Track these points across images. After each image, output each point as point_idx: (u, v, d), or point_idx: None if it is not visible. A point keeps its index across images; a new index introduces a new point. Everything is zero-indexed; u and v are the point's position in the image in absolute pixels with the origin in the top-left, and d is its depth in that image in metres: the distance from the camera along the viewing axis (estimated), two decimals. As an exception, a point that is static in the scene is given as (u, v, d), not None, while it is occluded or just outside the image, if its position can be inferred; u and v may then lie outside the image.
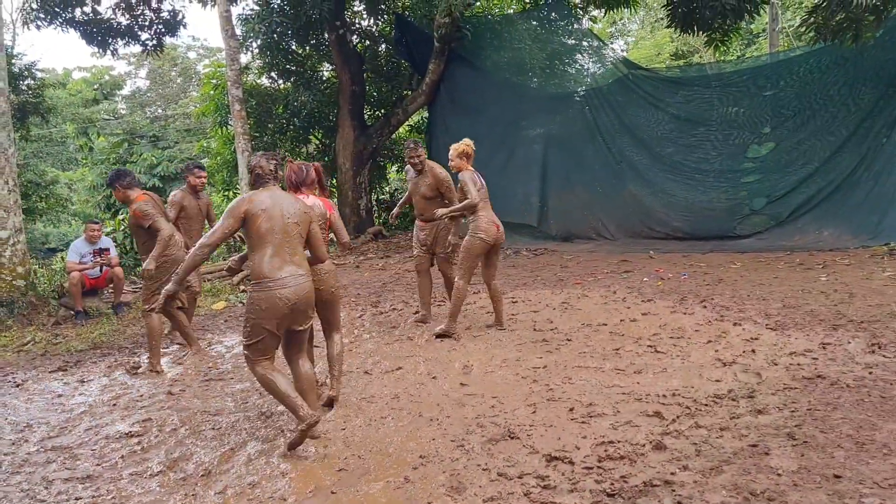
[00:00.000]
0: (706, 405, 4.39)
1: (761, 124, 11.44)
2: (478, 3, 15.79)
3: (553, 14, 14.93)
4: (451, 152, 6.51)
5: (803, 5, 15.44)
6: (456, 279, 6.62)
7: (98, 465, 4.05)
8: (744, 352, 5.49)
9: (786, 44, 17.98)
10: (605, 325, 6.71)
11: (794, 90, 11.21)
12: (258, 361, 4.09)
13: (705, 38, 12.27)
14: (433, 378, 5.37)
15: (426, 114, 17.03)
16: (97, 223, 9.00)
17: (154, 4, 16.08)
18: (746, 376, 4.91)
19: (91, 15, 15.38)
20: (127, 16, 15.91)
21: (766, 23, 18.39)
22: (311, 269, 4.37)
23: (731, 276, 8.90)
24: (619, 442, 3.89)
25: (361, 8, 17.80)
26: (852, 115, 10.73)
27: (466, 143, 6.57)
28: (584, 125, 13.13)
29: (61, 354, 7.00)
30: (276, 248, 4.05)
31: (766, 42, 18.54)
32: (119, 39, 16.03)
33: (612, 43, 30.49)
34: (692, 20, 11.46)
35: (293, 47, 16.51)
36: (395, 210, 7.70)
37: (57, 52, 59.76)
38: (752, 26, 21.21)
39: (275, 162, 4.37)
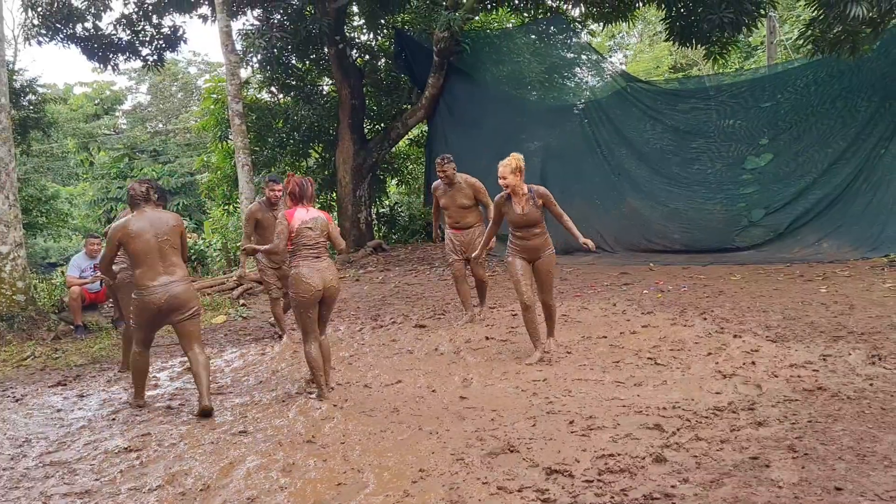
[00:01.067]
0: (706, 417, 4.38)
1: (759, 136, 11.47)
2: (476, 18, 15.86)
3: (551, 28, 15.02)
4: (502, 170, 5.97)
5: (801, 18, 15.53)
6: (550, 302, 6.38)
7: (97, 480, 4.04)
8: (744, 364, 5.47)
9: (784, 56, 18.04)
10: (605, 337, 6.70)
11: (792, 102, 11.25)
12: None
13: (704, 51, 12.35)
14: (433, 391, 5.36)
15: (426, 127, 17.08)
16: (97, 238, 9.01)
17: (155, 20, 16.20)
18: (747, 388, 4.90)
19: (92, 31, 15.48)
20: (128, 31, 16.02)
21: (765, 36, 18.48)
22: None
23: (731, 288, 8.89)
24: (619, 455, 3.88)
25: (361, 23, 17.90)
26: (850, 127, 10.76)
27: (517, 158, 6.00)
28: (582, 138, 13.17)
29: (61, 369, 7.00)
30: (149, 264, 5.10)
31: (765, 55, 18.62)
32: (120, 55, 16.15)
33: (610, 56, 30.62)
34: (690, 33, 11.54)
35: (293, 62, 16.59)
36: (436, 229, 8.60)
37: (58, 67, 60.09)
38: (751, 39, 21.30)
39: (147, 185, 5.30)
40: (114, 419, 5.19)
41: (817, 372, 5.15)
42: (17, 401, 5.89)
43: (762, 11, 11.16)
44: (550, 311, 6.33)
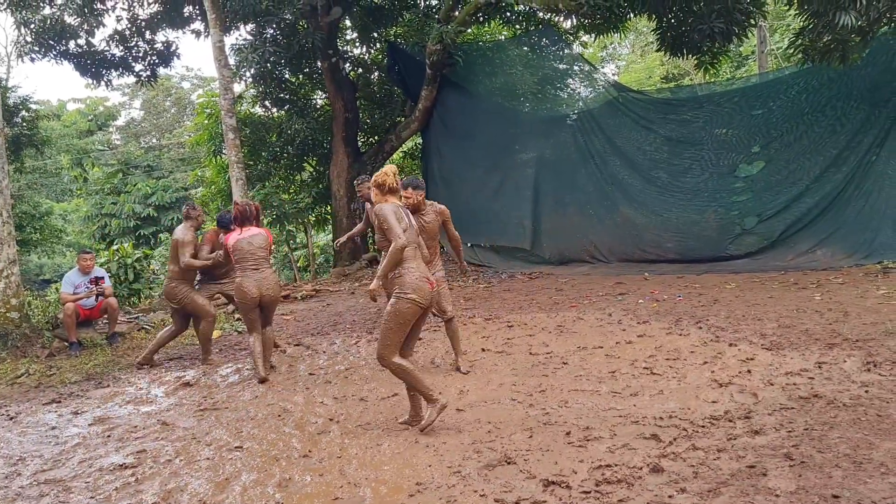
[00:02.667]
0: (703, 427, 4.38)
1: (751, 144, 11.52)
2: (469, 31, 15.93)
3: (543, 40, 15.08)
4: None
5: (791, 28, 15.62)
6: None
7: (92, 497, 4.01)
8: (740, 372, 5.48)
9: (775, 65, 18.16)
10: (601, 347, 6.70)
11: (784, 110, 11.30)
12: None
13: (695, 61, 12.40)
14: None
15: (420, 140, 17.13)
16: (89, 253, 8.98)
17: (147, 36, 16.22)
18: (743, 397, 4.90)
19: (85, 47, 15.49)
20: (121, 47, 16.04)
21: (756, 45, 18.59)
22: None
23: (726, 296, 8.91)
24: (616, 465, 3.87)
25: (354, 36, 17.96)
26: (841, 134, 10.82)
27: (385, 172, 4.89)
28: (575, 148, 13.21)
29: (55, 386, 6.95)
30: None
31: (756, 64, 18.73)
32: (113, 71, 16.17)
33: (602, 67, 30.76)
34: (681, 44, 11.57)
35: (286, 76, 16.62)
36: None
37: (52, 83, 60.09)
38: (742, 49, 21.43)
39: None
40: (109, 436, 5.16)
41: (813, 379, 5.15)
42: (11, 419, 5.85)
43: (752, 21, 11.19)
44: None
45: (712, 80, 13.27)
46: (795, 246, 10.94)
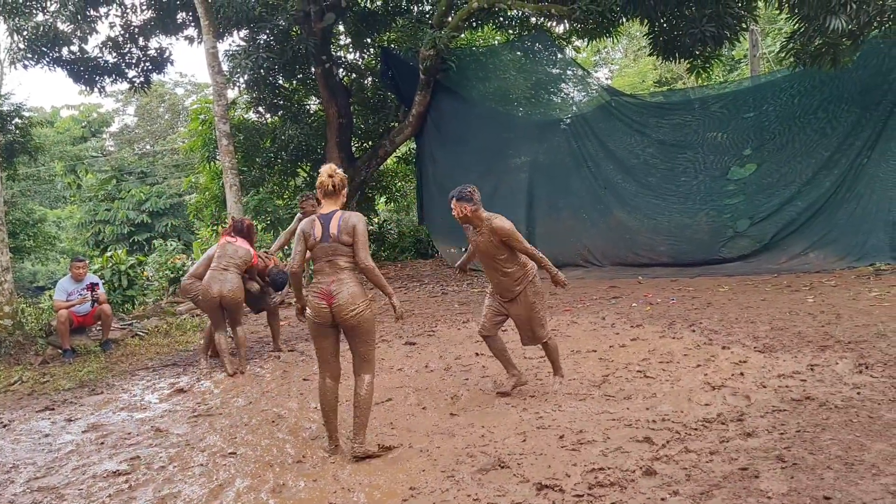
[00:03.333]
0: (696, 429, 4.39)
1: (742, 146, 11.55)
2: (462, 36, 15.98)
3: (537, 45, 15.13)
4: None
5: (783, 32, 15.70)
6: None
7: (85, 504, 4.01)
8: (732, 375, 5.50)
9: (767, 69, 18.22)
10: (595, 351, 6.72)
11: (776, 113, 11.34)
12: None
13: (687, 65, 12.45)
14: (423, 409, 5.36)
15: (414, 145, 17.16)
16: (81, 260, 8.95)
17: (141, 42, 16.25)
18: (735, 399, 4.92)
19: (78, 54, 15.51)
20: (114, 54, 16.06)
21: (748, 49, 18.67)
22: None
23: (720, 299, 8.94)
24: (609, 468, 3.88)
25: (347, 42, 18.01)
26: (832, 137, 10.86)
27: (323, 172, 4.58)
28: (569, 153, 13.25)
29: (49, 393, 6.93)
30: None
31: (748, 68, 18.81)
32: (106, 77, 16.19)
33: (596, 71, 30.85)
34: (673, 48, 11.62)
35: (280, 82, 16.65)
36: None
37: (45, 90, 59.96)
38: (734, 53, 21.53)
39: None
40: (102, 443, 5.15)
41: (805, 382, 5.18)
42: (4, 426, 5.83)
43: (744, 25, 11.25)
44: None
45: (705, 83, 13.33)
46: (788, 248, 10.97)
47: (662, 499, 3.47)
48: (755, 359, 5.94)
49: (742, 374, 5.51)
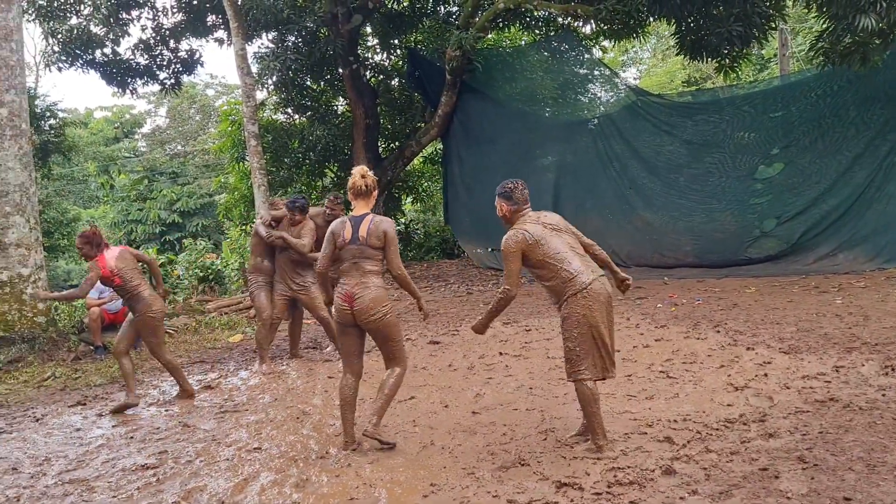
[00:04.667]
0: (717, 430, 4.39)
1: (770, 146, 11.43)
2: (488, 37, 16.01)
3: (563, 45, 15.11)
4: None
5: (813, 30, 15.51)
6: None
7: (114, 497, 4.11)
8: (756, 376, 5.48)
9: (797, 68, 18.03)
10: (618, 351, 6.67)
11: (804, 112, 11.21)
12: None
13: (715, 65, 12.36)
14: (445, 407, 5.40)
15: (440, 145, 17.22)
16: (115, 259, 9.14)
17: (171, 44, 16.49)
18: (758, 400, 4.91)
19: (111, 56, 15.78)
20: (146, 56, 16.32)
21: (777, 48, 18.47)
22: None
23: (746, 300, 8.88)
24: (628, 468, 3.90)
25: (374, 43, 18.10)
26: (862, 136, 10.73)
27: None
28: (595, 153, 13.20)
29: (80, 389, 7.10)
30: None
31: (778, 67, 18.61)
32: (138, 79, 16.45)
33: (624, 71, 30.68)
34: (700, 47, 11.56)
35: (308, 83, 16.79)
36: None
37: (79, 92, 60.96)
38: (764, 52, 21.29)
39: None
40: (132, 437, 5.27)
41: (830, 383, 5.14)
42: (37, 420, 5.99)
43: (772, 24, 11.16)
44: None
45: (734, 83, 13.22)
46: (816, 249, 10.84)
47: (681, 498, 3.48)
48: (780, 360, 5.91)
49: (766, 375, 5.49)
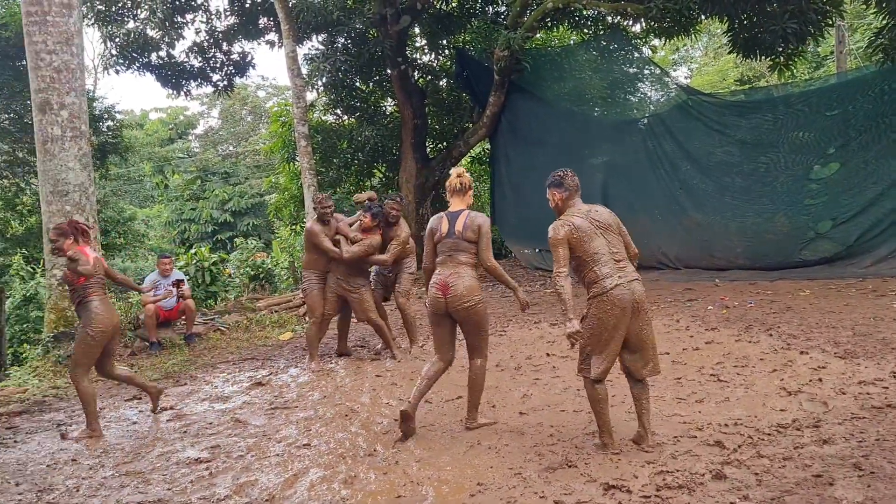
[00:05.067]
0: (769, 435, 4.32)
1: (826, 145, 11.12)
2: (537, 36, 15.94)
3: (612, 44, 14.96)
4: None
5: (872, 26, 15.10)
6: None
7: (169, 489, 4.22)
8: (810, 381, 5.36)
9: (854, 66, 17.55)
10: (668, 353, 6.63)
11: (862, 110, 10.87)
12: None
13: (769, 63, 12.10)
14: (492, 407, 5.41)
15: (488, 145, 17.21)
16: (168, 257, 9.40)
17: (224, 47, 16.81)
18: (812, 405, 4.81)
19: (166, 59, 16.16)
20: (199, 59, 16.67)
21: (834, 45, 18.02)
22: None
23: (800, 303, 8.69)
24: (678, 471, 3.85)
25: (423, 44, 18.18)
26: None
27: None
28: (645, 153, 13.02)
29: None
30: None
31: (835, 65, 18.16)
32: (192, 81, 16.82)
33: (674, 70, 30.25)
34: (754, 45, 11.32)
35: (357, 84, 16.94)
36: None
37: (135, 94, 62.47)
38: (820, 49, 20.79)
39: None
40: (185, 432, 5.40)
41: (887, 389, 5.01)
42: (95, 413, 6.16)
43: (829, 21, 10.87)
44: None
45: (789, 81, 12.92)
46: (874, 251, 10.51)
47: (731, 503, 3.44)
48: (835, 365, 5.77)
49: (820, 379, 5.37)
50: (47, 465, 4.82)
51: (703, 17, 12.31)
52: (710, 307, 8.95)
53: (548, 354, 7.00)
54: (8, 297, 15.03)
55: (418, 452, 4.50)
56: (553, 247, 4.36)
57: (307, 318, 7.77)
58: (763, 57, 11.73)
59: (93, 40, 42.56)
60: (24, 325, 14.52)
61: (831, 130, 11.08)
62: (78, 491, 4.30)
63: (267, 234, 28.84)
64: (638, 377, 4.36)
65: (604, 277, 4.23)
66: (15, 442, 5.49)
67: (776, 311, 8.28)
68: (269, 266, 14.49)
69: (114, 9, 15.08)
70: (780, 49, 11.25)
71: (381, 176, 18.09)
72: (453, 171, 4.97)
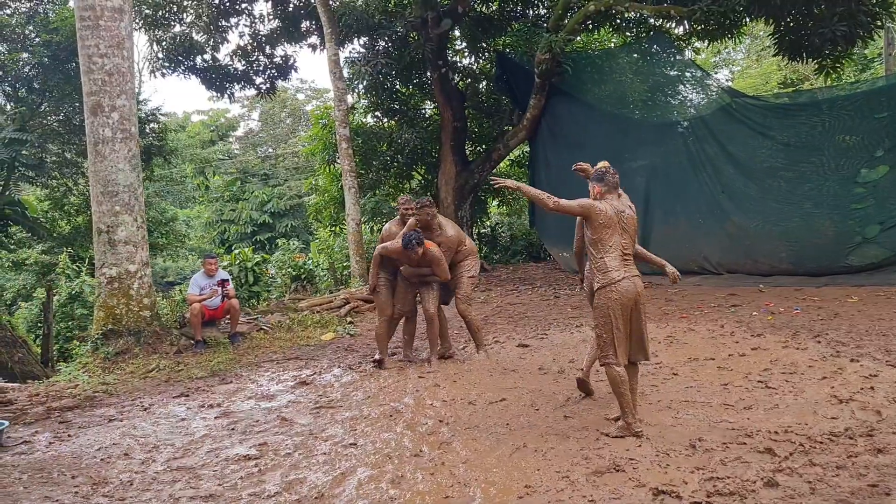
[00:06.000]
0: (821, 443, 4.25)
1: (874, 148, 10.88)
2: (578, 39, 15.88)
3: (654, 47, 14.86)
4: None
5: (922, 28, 14.77)
6: None
7: (219, 485, 4.29)
8: (862, 389, 5.27)
9: (904, 68, 17.17)
10: (713, 359, 6.57)
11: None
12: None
13: (815, 66, 11.91)
14: (536, 410, 5.41)
15: (527, 148, 17.18)
16: (214, 257, 9.54)
17: (268, 50, 17.05)
18: (865, 414, 4.72)
19: (210, 62, 16.44)
20: (243, 62, 16.94)
21: (882, 47, 17.67)
22: None
23: (848, 310, 8.53)
24: (728, 478, 3.82)
25: (463, 47, 18.24)
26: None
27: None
28: (686, 156, 12.88)
29: (183, 381, 7.41)
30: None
31: (882, 67, 17.79)
32: (236, 84, 17.12)
33: (716, 73, 29.86)
34: (800, 48, 11.16)
35: (397, 87, 17.05)
36: None
37: (177, 97, 63.49)
38: (867, 52, 20.38)
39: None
40: (233, 429, 5.48)
41: (942, 399, 4.90)
42: (144, 409, 6.29)
43: (879, 23, 10.66)
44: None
45: (834, 84, 12.69)
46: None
47: (785, 511, 3.40)
48: (887, 373, 5.66)
49: (872, 388, 5.27)
50: (101, 459, 4.93)
51: (748, 19, 12.17)
52: (754, 313, 8.83)
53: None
54: (55, 295, 15.42)
55: (464, 454, 4.51)
56: (581, 206, 4.77)
57: (378, 316, 7.62)
58: (809, 59, 11.54)
59: (139, 44, 43.40)
60: (70, 323, 14.85)
61: (879, 133, 10.85)
62: (132, 485, 4.39)
63: (305, 235, 29.12)
64: (632, 360, 4.81)
65: (612, 269, 4.68)
66: (69, 436, 5.62)
67: (823, 318, 8.14)
68: (310, 267, 14.63)
69: (160, 13, 15.39)
70: (828, 52, 11.07)
71: (420, 178, 18.17)
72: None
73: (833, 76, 11.85)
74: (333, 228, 18.82)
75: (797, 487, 3.65)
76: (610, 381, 4.67)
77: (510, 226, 20.20)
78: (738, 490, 3.65)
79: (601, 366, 4.78)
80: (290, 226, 30.19)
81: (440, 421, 5.26)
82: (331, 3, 14.46)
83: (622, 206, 4.84)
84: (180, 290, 14.85)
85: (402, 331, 7.77)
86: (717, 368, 6.24)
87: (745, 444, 4.33)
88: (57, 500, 4.20)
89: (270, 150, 37.78)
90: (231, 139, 39.16)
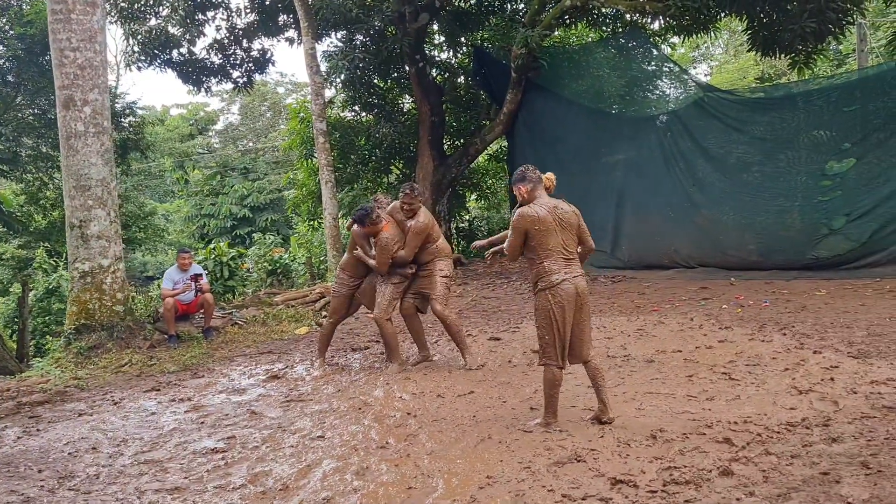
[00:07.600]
0: (778, 433, 4.34)
1: (842, 141, 10.99)
2: (554, 34, 15.94)
3: (631, 42, 14.94)
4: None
5: (894, 24, 14.97)
6: None
7: (186, 478, 4.31)
8: (822, 380, 5.37)
9: (876, 63, 17.39)
10: (680, 351, 6.66)
11: (882, 106, 10.74)
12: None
13: (789, 62, 12.03)
14: (504, 402, 5.47)
15: (505, 143, 17.24)
16: (187, 252, 9.53)
17: (245, 44, 16.98)
18: (823, 404, 4.82)
19: (187, 55, 16.35)
20: (220, 56, 16.86)
21: (855, 43, 17.87)
22: None
23: (815, 303, 8.67)
24: (685, 467, 3.89)
25: (441, 41, 18.26)
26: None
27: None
28: (661, 151, 12.96)
29: (155, 375, 7.42)
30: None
31: (857, 62, 18.01)
32: (212, 77, 17.03)
33: (695, 68, 30.09)
34: (773, 43, 11.27)
35: (375, 81, 17.02)
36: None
37: (156, 90, 63.00)
38: (841, 47, 20.62)
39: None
40: (202, 423, 5.50)
41: (899, 389, 5.01)
42: (115, 404, 6.30)
43: (849, 20, 10.78)
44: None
45: (808, 79, 12.81)
46: (890, 248, 10.37)
47: (737, 499, 3.47)
48: (848, 364, 5.77)
49: (832, 379, 5.38)
50: (69, 454, 4.94)
51: (721, 14, 12.27)
52: (724, 306, 8.95)
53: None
54: (31, 290, 15.31)
55: (430, 445, 4.57)
56: (513, 231, 4.70)
57: (322, 314, 7.68)
58: (783, 55, 11.66)
59: (115, 37, 43.02)
60: (47, 318, 14.76)
61: (849, 126, 10.95)
62: (98, 478, 4.41)
63: (285, 229, 29.04)
64: (586, 359, 4.77)
65: (552, 272, 4.63)
66: (38, 430, 5.62)
67: (791, 311, 8.27)
68: (287, 261, 14.62)
69: (136, 6, 15.29)
70: (800, 47, 11.18)
71: (398, 173, 18.18)
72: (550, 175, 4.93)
73: (807, 72, 11.97)
74: (312, 222, 18.81)
75: (751, 476, 3.73)
76: (544, 381, 4.75)
77: (488, 220, 20.26)
78: (693, 479, 3.73)
79: (539, 365, 4.82)
80: (270, 220, 30.08)
81: (408, 413, 5.31)
82: (308, -4, 14.43)
83: (554, 202, 4.72)
84: (158, 285, 14.80)
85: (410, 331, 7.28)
86: (684, 361, 6.34)
87: (704, 434, 4.41)
88: (23, 494, 4.20)
89: (250, 143, 37.64)
90: (211, 133, 38.96)
